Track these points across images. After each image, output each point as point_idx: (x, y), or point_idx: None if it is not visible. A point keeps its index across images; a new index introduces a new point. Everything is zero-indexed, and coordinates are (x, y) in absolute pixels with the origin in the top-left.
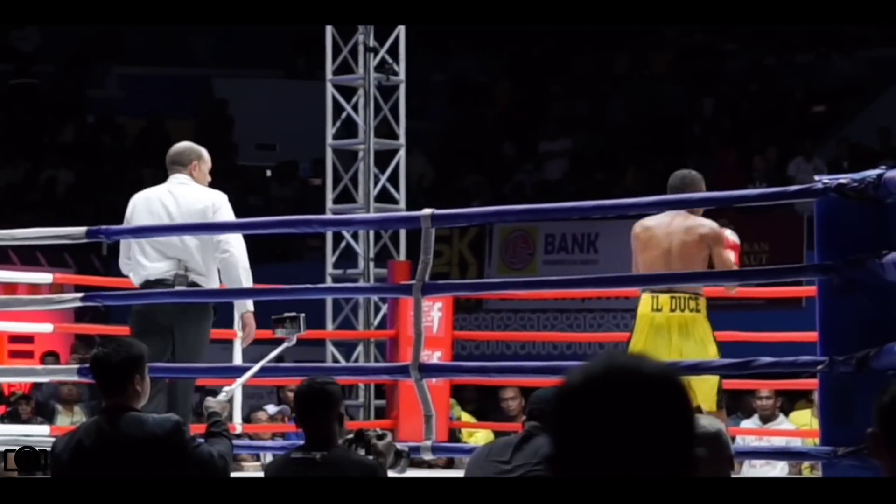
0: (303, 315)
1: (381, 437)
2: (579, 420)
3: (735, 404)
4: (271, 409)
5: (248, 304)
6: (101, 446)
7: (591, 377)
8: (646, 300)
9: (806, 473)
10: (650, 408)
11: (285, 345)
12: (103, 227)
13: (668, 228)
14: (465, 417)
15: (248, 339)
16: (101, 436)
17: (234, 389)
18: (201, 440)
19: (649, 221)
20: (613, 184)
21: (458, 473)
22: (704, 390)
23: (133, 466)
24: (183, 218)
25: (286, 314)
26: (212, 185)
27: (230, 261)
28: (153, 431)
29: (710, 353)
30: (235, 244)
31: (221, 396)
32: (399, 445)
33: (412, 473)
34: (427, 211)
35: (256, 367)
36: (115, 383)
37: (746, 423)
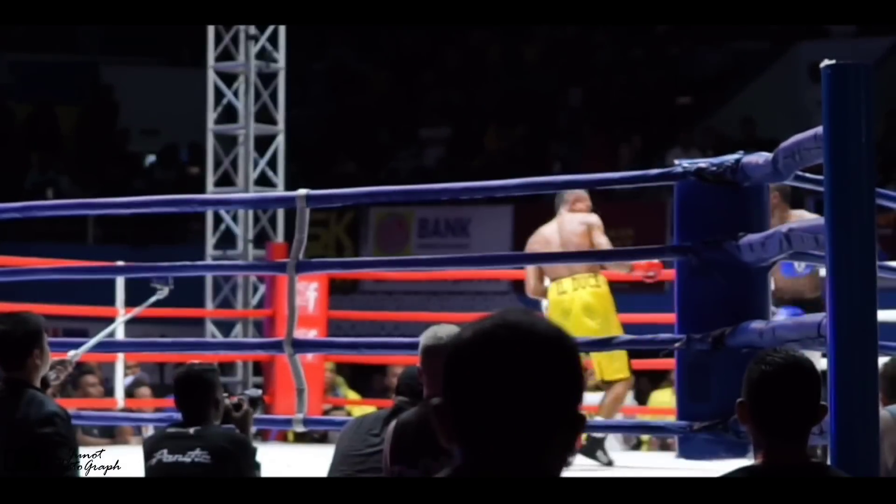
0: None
1: (237, 408)
2: (467, 373)
3: None
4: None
5: None
6: None
7: (483, 333)
8: (552, 288)
9: (645, 449)
10: (539, 365)
11: (156, 297)
12: None
13: (559, 229)
14: (352, 395)
15: None
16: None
17: (77, 355)
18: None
19: (542, 230)
20: (487, 170)
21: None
22: (615, 366)
23: (21, 446)
24: None
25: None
26: (98, 170)
27: None
28: (38, 416)
29: (614, 330)
30: None
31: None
32: (250, 393)
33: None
34: (302, 191)
35: (97, 337)
36: (15, 357)
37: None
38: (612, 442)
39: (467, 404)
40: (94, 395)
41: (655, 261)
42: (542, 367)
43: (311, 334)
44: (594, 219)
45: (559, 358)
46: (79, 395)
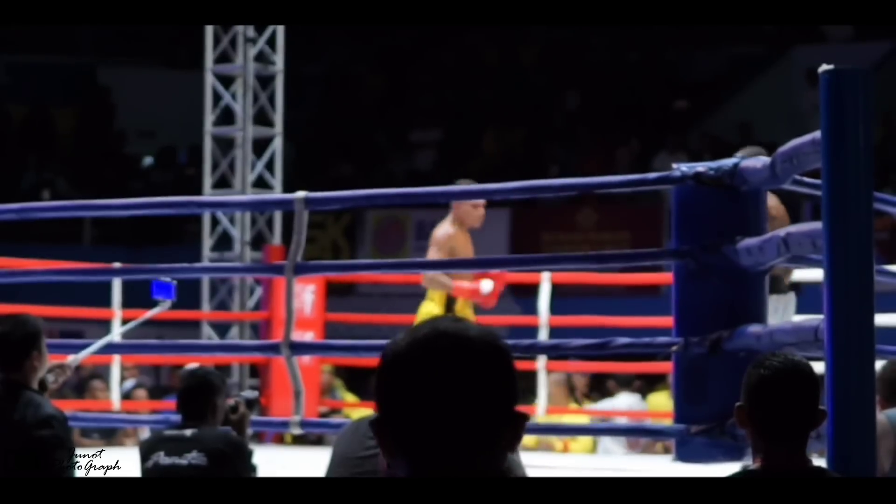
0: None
1: (234, 410)
2: (404, 384)
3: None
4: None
5: None
6: None
7: (416, 342)
8: None
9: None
10: (478, 370)
11: (158, 309)
12: None
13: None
14: (350, 398)
15: None
16: None
17: (77, 360)
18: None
19: None
20: (483, 172)
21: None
22: None
23: (18, 448)
24: None
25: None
26: (95, 171)
27: None
28: (35, 418)
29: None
30: None
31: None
32: (246, 395)
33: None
34: (300, 193)
35: (98, 343)
36: (14, 359)
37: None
38: (613, 445)
39: (411, 415)
40: (102, 399)
41: (487, 288)
42: (481, 371)
43: (308, 336)
44: (438, 239)
45: (496, 361)
46: (87, 400)
